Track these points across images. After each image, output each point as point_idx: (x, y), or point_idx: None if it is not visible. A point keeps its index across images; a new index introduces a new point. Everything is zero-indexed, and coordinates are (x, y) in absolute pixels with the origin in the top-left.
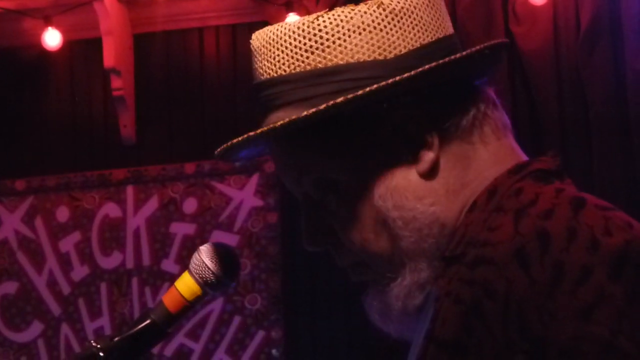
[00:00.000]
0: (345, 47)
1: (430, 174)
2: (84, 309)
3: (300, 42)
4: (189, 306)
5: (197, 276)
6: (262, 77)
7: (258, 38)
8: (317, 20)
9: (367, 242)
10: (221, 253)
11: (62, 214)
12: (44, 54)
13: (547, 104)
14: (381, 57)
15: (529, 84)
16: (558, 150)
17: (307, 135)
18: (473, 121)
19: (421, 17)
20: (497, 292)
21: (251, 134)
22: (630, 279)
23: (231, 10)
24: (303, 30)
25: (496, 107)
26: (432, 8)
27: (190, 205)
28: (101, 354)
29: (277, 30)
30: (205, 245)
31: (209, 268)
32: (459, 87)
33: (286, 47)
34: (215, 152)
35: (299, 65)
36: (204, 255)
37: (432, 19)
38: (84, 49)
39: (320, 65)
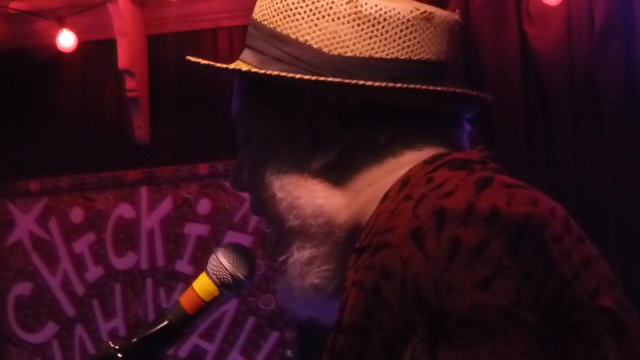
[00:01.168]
0: (301, 25)
1: (323, 171)
2: (98, 310)
3: (276, 1)
4: (206, 307)
5: (214, 277)
6: (253, 14)
7: None
8: None
9: (261, 203)
10: (238, 254)
11: (77, 215)
12: (58, 55)
13: (560, 103)
14: (326, 50)
15: (542, 84)
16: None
17: (248, 86)
18: (386, 142)
19: (387, 31)
20: (393, 272)
21: (194, 59)
22: (528, 253)
23: (244, 10)
24: None
25: (434, 130)
26: (407, 28)
27: (204, 206)
28: (119, 355)
29: None
30: (223, 246)
31: (226, 269)
32: (379, 108)
33: (269, 0)
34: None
35: (265, 20)
36: (221, 256)
37: (401, 39)
38: (97, 50)
39: (278, 28)
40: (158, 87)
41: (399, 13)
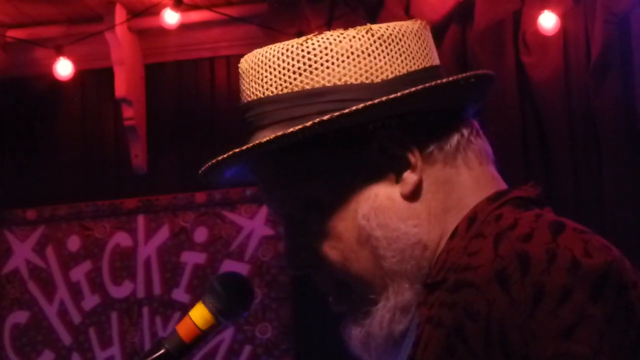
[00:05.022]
0: (333, 70)
1: (413, 196)
2: (95, 339)
3: (288, 63)
4: (203, 335)
5: (211, 305)
6: (249, 98)
7: (247, 60)
8: (306, 42)
9: (349, 262)
10: (235, 282)
11: (73, 243)
12: (56, 84)
13: (558, 133)
14: (368, 81)
15: (539, 114)
16: (539, 183)
17: (293, 154)
18: (457, 146)
19: (408, 45)
20: (478, 313)
21: (237, 150)
22: (611, 300)
23: (242, 40)
24: (292, 52)
25: (479, 136)
26: (419, 38)
27: (201, 234)
28: None
29: (266, 52)
30: (219, 274)
31: (223, 297)
32: (443, 113)
33: (274, 69)
34: (200, 171)
35: (286, 87)
36: (218, 285)
37: (419, 48)
38: (95, 78)
39: (307, 86)
40: (155, 116)
41: (408, 27)
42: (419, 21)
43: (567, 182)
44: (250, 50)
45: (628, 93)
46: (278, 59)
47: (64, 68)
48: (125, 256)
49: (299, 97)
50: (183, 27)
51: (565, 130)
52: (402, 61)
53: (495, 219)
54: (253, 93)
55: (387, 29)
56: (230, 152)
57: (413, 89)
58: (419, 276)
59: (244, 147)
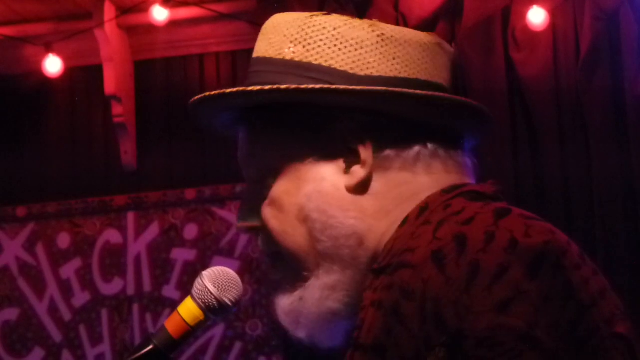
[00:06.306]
0: (323, 51)
1: (357, 189)
2: (85, 335)
3: (291, 32)
4: (192, 331)
5: (199, 301)
6: (254, 55)
7: (271, 20)
8: (312, 18)
9: (286, 234)
10: (224, 278)
11: (63, 240)
12: (45, 81)
13: (547, 128)
14: (352, 72)
15: (528, 110)
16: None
17: (264, 117)
18: (417, 156)
19: (408, 53)
20: (413, 292)
21: (211, 93)
22: (547, 278)
23: (231, 36)
24: (297, 23)
25: (454, 152)
26: (425, 50)
27: (190, 231)
28: None
29: (283, 17)
30: (208, 270)
31: (211, 293)
32: (412, 122)
33: (280, 33)
34: (189, 102)
35: (280, 53)
36: (207, 280)
37: (420, 59)
38: (84, 75)
39: (296, 58)
40: (145, 113)
41: (417, 36)
42: (434, 36)
43: (556, 176)
44: (238, 47)
45: (617, 89)
46: (286, 25)
47: (53, 65)
48: (115, 253)
49: (287, 66)
50: (172, 24)
51: (554, 125)
52: (393, 64)
53: (443, 208)
54: (259, 51)
55: (393, 31)
56: (214, 92)
57: (377, 87)
58: (354, 264)
59: (218, 92)
